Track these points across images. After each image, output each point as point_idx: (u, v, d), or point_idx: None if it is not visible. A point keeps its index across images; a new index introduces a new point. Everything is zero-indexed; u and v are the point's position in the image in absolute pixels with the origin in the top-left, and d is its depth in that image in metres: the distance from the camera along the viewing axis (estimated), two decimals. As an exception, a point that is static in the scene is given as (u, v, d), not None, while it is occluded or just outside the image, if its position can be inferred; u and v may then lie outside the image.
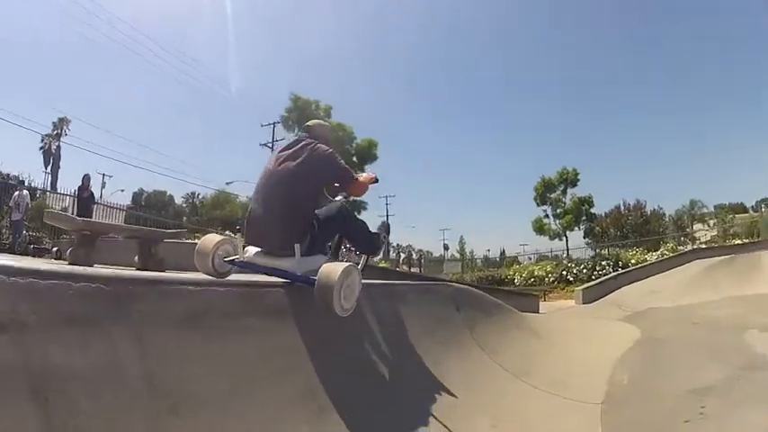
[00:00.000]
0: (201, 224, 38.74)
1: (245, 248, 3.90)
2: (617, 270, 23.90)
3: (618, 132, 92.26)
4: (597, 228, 39.71)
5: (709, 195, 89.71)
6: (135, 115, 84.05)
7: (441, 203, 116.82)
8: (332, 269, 3.31)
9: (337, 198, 4.24)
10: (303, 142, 4.00)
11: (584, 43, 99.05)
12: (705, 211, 52.72)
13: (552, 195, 38.38)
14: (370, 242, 4.53)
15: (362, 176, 4.33)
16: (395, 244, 63.76)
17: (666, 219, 46.82)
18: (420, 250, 72.95)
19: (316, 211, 3.85)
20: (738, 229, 33.57)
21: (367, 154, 37.04)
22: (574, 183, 37.54)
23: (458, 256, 50.95)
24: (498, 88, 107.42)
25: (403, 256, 62.27)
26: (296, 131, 34.37)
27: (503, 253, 49.52)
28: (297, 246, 3.58)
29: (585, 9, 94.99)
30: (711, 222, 45.19)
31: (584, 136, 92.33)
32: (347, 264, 3.50)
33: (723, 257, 20.35)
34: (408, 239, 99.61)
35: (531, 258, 40.75)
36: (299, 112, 34.70)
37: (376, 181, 4.40)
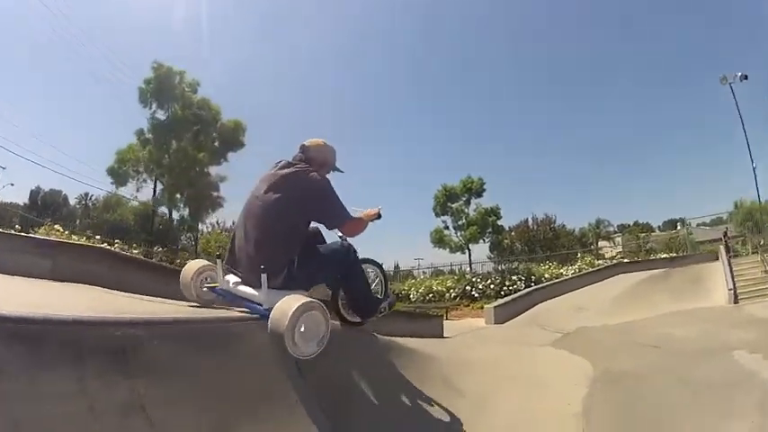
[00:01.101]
0: (92, 228, 35.53)
1: (225, 275, 3.80)
2: (529, 285, 22.15)
3: (526, 146, 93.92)
4: (505, 240, 37.51)
5: (613, 215, 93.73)
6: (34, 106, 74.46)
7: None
8: (288, 304, 3.08)
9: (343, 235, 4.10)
10: (295, 168, 3.75)
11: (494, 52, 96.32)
12: (611, 229, 55.51)
13: (454, 205, 36.28)
14: (366, 304, 4.27)
15: (361, 214, 4.01)
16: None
17: (575, 234, 48.26)
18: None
19: (318, 247, 3.90)
20: (655, 245, 34.88)
21: (231, 138, 34.24)
22: (479, 193, 36.00)
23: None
24: (400, 96, 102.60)
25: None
26: (153, 107, 32.48)
27: (397, 266, 46.83)
28: (264, 276, 3.32)
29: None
30: (617, 240, 47.39)
31: (488, 148, 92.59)
32: (310, 300, 3.20)
33: (654, 271, 20.80)
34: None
35: (425, 273, 37.99)
36: (160, 84, 31.61)
37: (378, 217, 4.07)
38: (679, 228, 36.70)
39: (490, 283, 26.67)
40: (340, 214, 3.81)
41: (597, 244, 44.52)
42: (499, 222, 36.46)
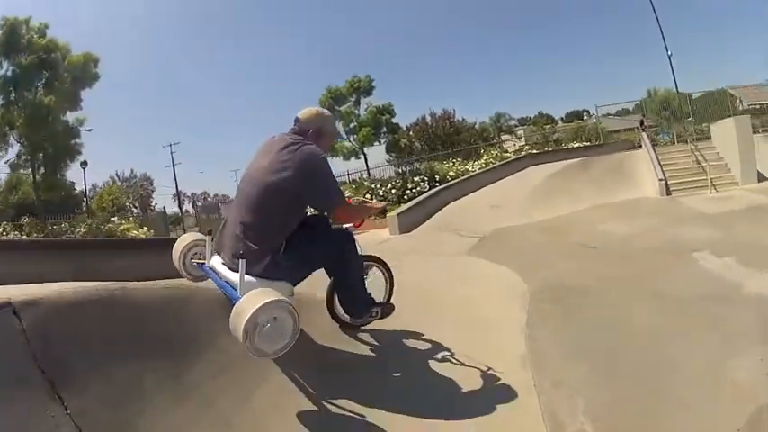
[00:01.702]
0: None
1: (213, 254, 3.73)
2: (434, 186, 20.54)
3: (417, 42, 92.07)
4: (402, 140, 35.45)
5: (512, 110, 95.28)
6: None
7: (228, 142, 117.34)
8: (251, 300, 2.79)
9: (347, 225, 4.00)
10: (288, 144, 3.42)
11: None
12: (512, 123, 51.73)
13: (342, 108, 33.81)
14: (355, 301, 4.05)
15: (359, 204, 4.00)
16: (189, 193, 59.34)
17: (476, 129, 46.73)
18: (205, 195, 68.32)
19: (315, 232, 3.65)
20: (562, 135, 32.67)
21: (82, 73, 31.38)
22: (368, 91, 33.18)
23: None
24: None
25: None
26: (5, 66, 29.98)
27: None
28: (242, 262, 3.08)
29: None
30: (519, 133, 46.55)
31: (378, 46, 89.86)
32: (278, 299, 2.85)
33: (571, 161, 19.57)
34: (201, 186, 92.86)
35: None
36: (7, 39, 29.03)
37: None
38: (586, 118, 35.54)
39: (391, 188, 24.59)
40: (330, 197, 3.46)
41: (500, 138, 43.34)
42: (394, 121, 34.35)
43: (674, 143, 22.34)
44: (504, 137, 47.31)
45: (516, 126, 54.12)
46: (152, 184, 67.80)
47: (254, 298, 2.79)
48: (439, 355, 4.19)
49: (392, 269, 4.70)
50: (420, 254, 10.18)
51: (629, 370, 3.96)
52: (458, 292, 6.51)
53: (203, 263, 3.74)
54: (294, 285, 3.52)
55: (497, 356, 4.16)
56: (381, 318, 4.30)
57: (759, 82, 31.42)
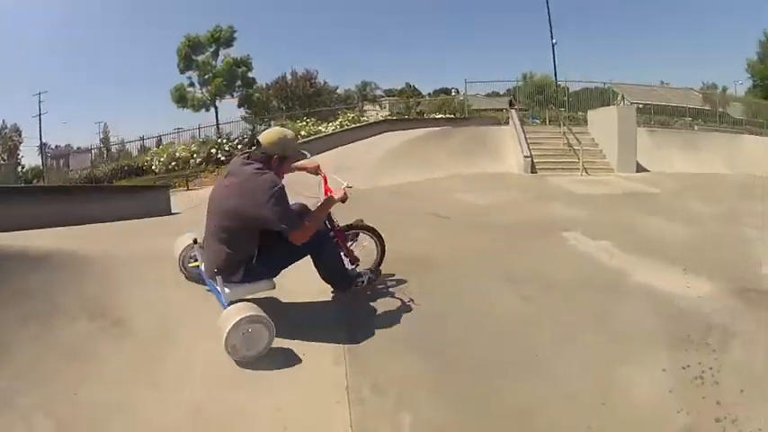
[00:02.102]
0: None
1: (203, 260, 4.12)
2: None
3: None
4: (257, 95, 33.06)
5: (383, 81, 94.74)
6: None
7: (93, 92, 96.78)
8: (229, 316, 3.33)
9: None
10: (250, 173, 3.61)
11: None
12: (378, 92, 51.27)
13: (200, 58, 30.97)
14: (339, 279, 4.38)
15: (313, 218, 3.92)
16: (53, 145, 53.78)
17: (339, 94, 45.44)
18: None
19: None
20: (426, 108, 32.92)
21: None
22: (228, 42, 30.35)
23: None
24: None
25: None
26: None
27: (143, 137, 40.49)
28: (219, 278, 3.58)
29: None
30: (384, 104, 44.71)
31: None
32: (252, 315, 3.34)
33: (431, 129, 18.54)
34: (65, 138, 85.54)
35: (177, 139, 32.48)
36: None
37: (344, 200, 4.11)
38: (454, 94, 34.85)
39: (238, 144, 22.67)
40: (286, 223, 3.61)
41: (362, 105, 42.01)
42: (251, 75, 31.94)
43: (545, 125, 22.17)
44: (367, 107, 46.13)
45: (383, 97, 53.34)
46: (20, 136, 60.59)
47: (233, 313, 3.33)
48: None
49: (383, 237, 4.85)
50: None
51: (482, 375, 3.27)
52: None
53: (198, 266, 4.16)
54: (275, 276, 3.87)
55: (305, 345, 3.57)
56: (369, 284, 4.56)
57: (646, 83, 32.97)
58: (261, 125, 29.14)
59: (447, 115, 26.59)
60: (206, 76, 31.10)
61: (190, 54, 31.01)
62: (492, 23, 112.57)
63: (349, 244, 4.56)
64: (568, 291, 4.76)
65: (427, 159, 14.28)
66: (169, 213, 10.65)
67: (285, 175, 3.91)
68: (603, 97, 25.13)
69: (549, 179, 13.35)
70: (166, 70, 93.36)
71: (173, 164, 25.31)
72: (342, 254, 4.39)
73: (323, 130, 23.26)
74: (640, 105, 29.94)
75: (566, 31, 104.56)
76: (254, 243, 3.68)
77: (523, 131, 16.18)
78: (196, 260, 4.17)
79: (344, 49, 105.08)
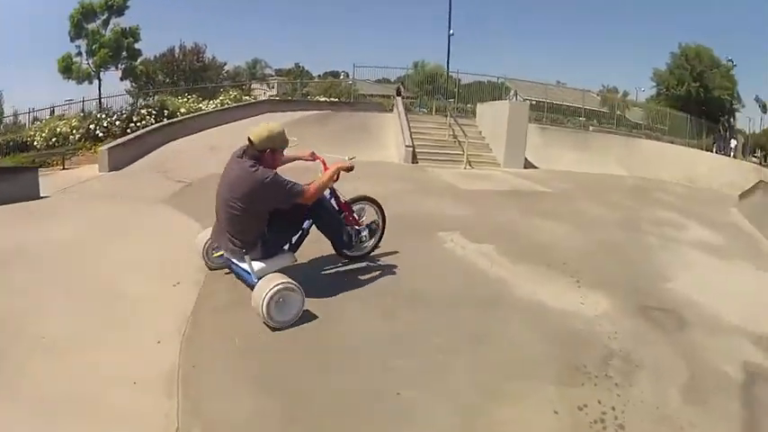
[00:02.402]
0: None
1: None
2: (161, 120, 18.85)
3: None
4: (140, 68, 31.60)
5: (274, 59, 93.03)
6: None
7: None
8: (261, 287, 3.77)
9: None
10: (242, 170, 4.11)
11: None
12: (268, 71, 54.09)
13: (91, 26, 28.80)
14: (339, 238, 4.95)
15: (318, 181, 4.44)
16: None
17: (226, 71, 44.02)
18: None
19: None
20: (313, 90, 31.79)
21: None
22: (121, 10, 28.73)
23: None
24: None
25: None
26: None
27: (32, 109, 37.72)
28: (247, 258, 4.08)
29: None
30: (273, 83, 44.07)
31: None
32: (282, 283, 3.78)
33: (311, 112, 17.92)
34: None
35: (62, 112, 30.50)
36: None
37: (349, 170, 4.67)
38: (343, 77, 34.52)
39: (116, 119, 21.40)
40: (292, 195, 4.20)
41: (250, 84, 41.27)
42: (137, 46, 30.37)
43: (431, 115, 21.75)
44: (255, 85, 45.31)
45: (272, 76, 52.47)
46: None
47: (265, 285, 3.76)
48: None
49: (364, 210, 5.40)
50: (113, 198, 9.12)
51: (334, 418, 2.73)
52: (119, 255, 5.43)
53: (222, 254, 4.56)
54: (295, 252, 4.50)
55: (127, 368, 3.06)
56: (373, 239, 5.34)
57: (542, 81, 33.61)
58: (144, 99, 27.85)
59: (332, 99, 26.00)
60: (93, 47, 29.44)
61: (81, 21, 29.05)
62: (390, 11, 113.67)
63: (358, 218, 5.18)
64: (439, 305, 4.23)
65: (307, 144, 13.51)
66: (38, 197, 9.69)
67: (283, 166, 4.48)
68: (496, 92, 25.39)
69: (430, 171, 13.06)
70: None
71: (53, 140, 23.69)
72: (344, 221, 4.97)
73: (203, 107, 22.30)
74: (533, 102, 30.63)
75: (467, 24, 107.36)
76: (263, 221, 4.19)
77: (407, 120, 15.94)
78: (219, 250, 4.60)
79: (240, 25, 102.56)
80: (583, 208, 9.73)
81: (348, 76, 30.63)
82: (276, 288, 3.67)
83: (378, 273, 4.93)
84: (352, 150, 13.60)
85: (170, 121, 17.53)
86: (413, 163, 13.84)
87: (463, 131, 16.08)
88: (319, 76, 59.53)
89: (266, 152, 4.14)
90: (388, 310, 4.09)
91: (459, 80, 27.87)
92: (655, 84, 46.74)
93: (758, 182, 12.63)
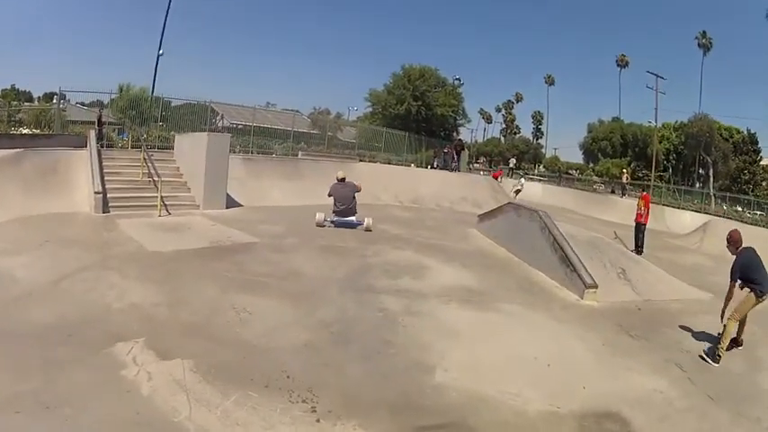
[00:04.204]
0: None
1: (333, 214, 14.10)
2: None
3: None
4: None
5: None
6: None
7: None
8: (367, 220, 13.68)
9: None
10: (347, 183, 14.15)
11: None
12: None
13: None
14: (356, 218, 14.21)
15: (361, 185, 14.72)
16: None
17: None
18: None
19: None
20: (24, 116, 28.34)
21: None
22: None
23: None
24: None
25: None
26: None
27: None
28: (354, 215, 14.02)
29: None
30: None
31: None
32: (368, 218, 13.72)
33: (8, 152, 13.86)
34: None
35: None
36: None
37: (359, 190, 14.49)
38: (54, 101, 30.89)
39: None
40: (359, 189, 14.41)
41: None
42: None
43: (128, 148, 20.05)
44: None
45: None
46: None
47: (367, 219, 13.66)
48: None
49: None
50: None
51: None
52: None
53: (333, 219, 13.73)
54: None
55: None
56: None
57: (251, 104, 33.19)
58: None
59: (35, 131, 23.14)
60: None
61: None
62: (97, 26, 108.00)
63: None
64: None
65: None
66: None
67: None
68: (203, 116, 25.01)
69: (120, 222, 11.39)
70: None
71: None
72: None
73: None
74: (240, 126, 30.96)
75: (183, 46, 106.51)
76: (355, 201, 14.12)
77: (99, 157, 14.18)
78: (331, 219, 13.60)
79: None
80: (298, 263, 9.02)
81: (64, 97, 27.63)
82: (370, 219, 13.59)
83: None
84: (35, 201, 11.84)
85: None
86: (104, 212, 12.14)
87: (155, 169, 14.36)
88: (39, 97, 54.20)
89: (345, 179, 14.13)
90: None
91: (170, 103, 26.59)
92: (370, 103, 50.02)
93: (506, 203, 14.37)
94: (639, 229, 15.89)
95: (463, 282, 8.57)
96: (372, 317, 6.64)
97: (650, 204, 16.58)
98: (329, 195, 13.54)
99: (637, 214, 16.06)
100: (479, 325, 6.68)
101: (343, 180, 13.68)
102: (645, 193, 17.58)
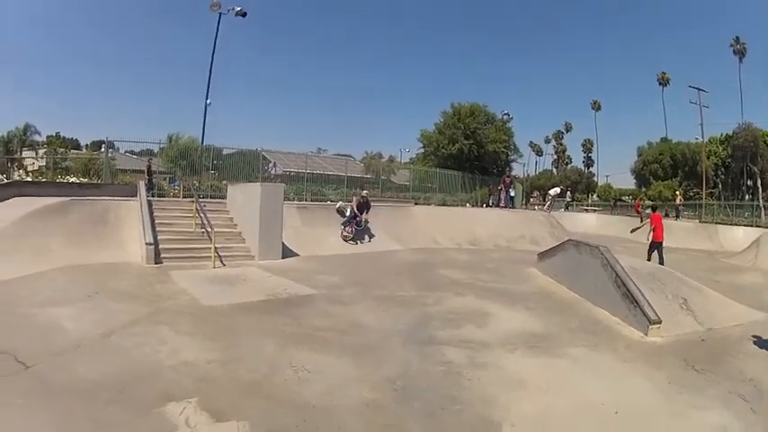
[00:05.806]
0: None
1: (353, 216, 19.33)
2: None
3: None
4: None
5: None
6: None
7: None
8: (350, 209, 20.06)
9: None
10: (367, 199, 19.31)
11: None
12: (38, 138, 50.55)
13: None
14: (357, 225, 19.36)
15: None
16: None
17: None
18: None
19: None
20: (72, 164, 29.95)
21: None
22: None
23: None
24: None
25: None
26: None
27: None
28: (360, 218, 19.35)
29: None
30: (42, 152, 41.89)
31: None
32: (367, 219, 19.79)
33: (53, 200, 14.63)
34: None
35: None
36: None
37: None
38: (103, 150, 31.80)
39: None
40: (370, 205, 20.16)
41: (21, 152, 38.00)
42: None
43: (180, 197, 19.98)
44: (27, 153, 41.58)
45: (43, 144, 48.60)
46: None
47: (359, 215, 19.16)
48: None
49: None
50: None
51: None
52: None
53: (352, 235, 18.65)
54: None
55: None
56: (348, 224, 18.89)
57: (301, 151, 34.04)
58: None
59: (82, 180, 23.66)
60: None
61: None
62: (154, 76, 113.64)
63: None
64: None
65: (40, 241, 11.71)
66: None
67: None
68: (255, 164, 24.94)
69: (172, 274, 11.24)
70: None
71: None
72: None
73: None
74: (293, 173, 30.84)
75: (230, 95, 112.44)
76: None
77: (150, 207, 14.17)
78: (344, 213, 18.78)
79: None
80: (357, 315, 8.54)
81: (113, 146, 28.13)
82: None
83: None
84: (82, 250, 11.88)
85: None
86: (156, 263, 11.93)
87: (207, 220, 13.89)
88: (87, 145, 55.88)
89: (366, 201, 19.12)
90: None
91: (221, 151, 26.78)
92: (422, 145, 50.77)
93: (566, 240, 12.79)
94: (652, 246, 15.32)
95: (526, 327, 8.10)
96: (436, 371, 6.16)
97: (661, 222, 15.87)
98: (355, 207, 18.54)
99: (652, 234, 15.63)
100: (545, 372, 6.23)
101: (364, 197, 19.22)
102: (655, 212, 16.76)
